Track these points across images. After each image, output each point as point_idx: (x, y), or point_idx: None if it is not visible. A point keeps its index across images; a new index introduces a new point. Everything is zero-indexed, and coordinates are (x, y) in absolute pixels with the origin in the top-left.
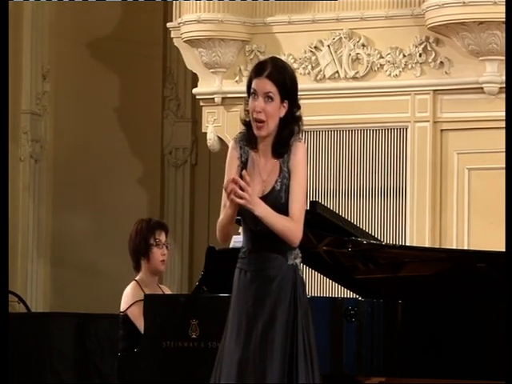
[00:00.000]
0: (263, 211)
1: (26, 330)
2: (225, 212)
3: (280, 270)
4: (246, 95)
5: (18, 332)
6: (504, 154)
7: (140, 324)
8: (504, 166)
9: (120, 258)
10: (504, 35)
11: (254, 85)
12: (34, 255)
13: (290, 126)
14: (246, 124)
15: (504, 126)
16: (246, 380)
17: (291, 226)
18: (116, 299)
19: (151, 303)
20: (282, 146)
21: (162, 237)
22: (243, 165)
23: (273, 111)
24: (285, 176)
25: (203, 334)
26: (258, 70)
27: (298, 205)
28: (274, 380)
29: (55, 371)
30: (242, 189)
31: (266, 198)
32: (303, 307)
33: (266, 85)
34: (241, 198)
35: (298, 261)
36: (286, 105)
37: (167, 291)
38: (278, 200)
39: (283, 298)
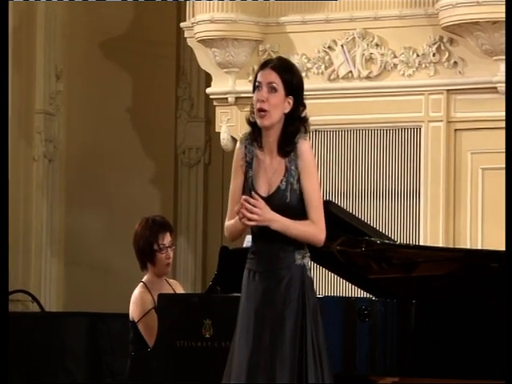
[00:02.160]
0: (279, 225)
1: (40, 329)
2: (235, 224)
3: (288, 270)
4: None
5: (31, 331)
6: None
7: (149, 339)
8: None
9: (133, 257)
10: None
11: (258, 77)
12: (47, 254)
13: (295, 123)
14: (251, 123)
15: None
16: (256, 380)
17: (312, 230)
18: (129, 299)
19: (165, 303)
20: (287, 144)
21: (167, 239)
22: (248, 164)
23: (276, 102)
24: (291, 175)
25: (217, 333)
26: (264, 64)
27: (316, 209)
28: (283, 380)
29: (68, 370)
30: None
31: (270, 198)
32: (312, 307)
33: (270, 75)
34: (250, 218)
35: (305, 260)
36: (290, 101)
37: (177, 286)
38: (284, 200)
39: (292, 298)
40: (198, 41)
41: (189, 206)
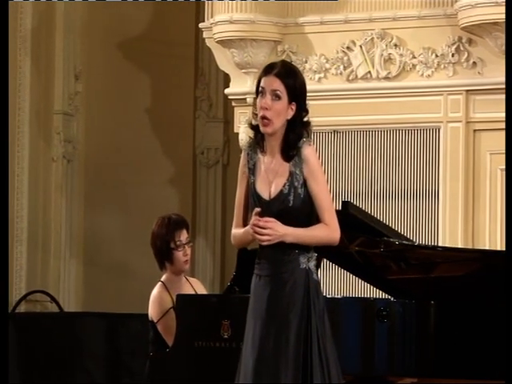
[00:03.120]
0: (293, 238)
1: (58, 329)
2: (244, 236)
3: (292, 274)
4: None
5: (50, 331)
6: None
7: (168, 339)
8: None
9: (152, 257)
10: None
11: (262, 83)
12: (66, 255)
13: (297, 129)
14: (253, 127)
15: None
16: (262, 382)
17: (325, 233)
18: (147, 299)
19: (183, 303)
20: (290, 149)
21: (183, 235)
22: (250, 171)
23: (279, 110)
24: (296, 179)
25: (235, 334)
26: (267, 69)
27: (327, 210)
28: (288, 381)
29: (86, 370)
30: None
31: (272, 201)
32: (318, 310)
33: (274, 82)
34: (262, 240)
35: (311, 264)
36: (293, 107)
37: (198, 285)
38: (286, 203)
39: (295, 302)
40: (217, 41)
41: (207, 206)
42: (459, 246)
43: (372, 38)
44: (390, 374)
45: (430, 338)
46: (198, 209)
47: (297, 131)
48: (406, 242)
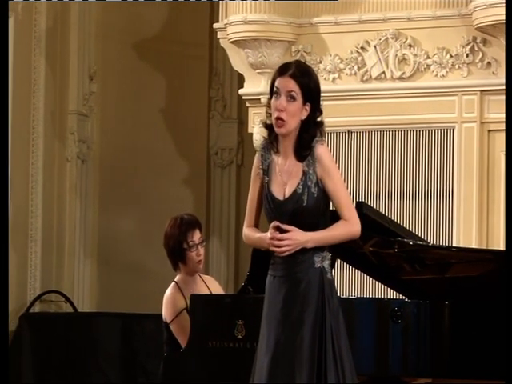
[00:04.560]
0: (314, 243)
1: (73, 329)
2: (259, 242)
3: (306, 273)
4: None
5: (64, 332)
6: None
7: (181, 340)
8: None
9: (166, 258)
10: None
11: (277, 83)
12: (80, 255)
13: (311, 130)
14: (267, 127)
15: None
16: (276, 382)
17: (345, 230)
18: (162, 299)
19: (197, 304)
20: (303, 149)
21: (196, 235)
22: (264, 172)
23: (294, 111)
24: (309, 179)
25: (249, 334)
26: (282, 70)
27: (346, 206)
28: (303, 381)
29: (102, 371)
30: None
31: (286, 201)
32: (332, 310)
33: (289, 83)
34: (282, 252)
35: (325, 263)
36: (308, 108)
37: (212, 282)
38: (300, 203)
39: (310, 302)
40: (231, 42)
41: (221, 206)
42: (473, 247)
43: (386, 39)
44: (404, 375)
45: (444, 338)
46: (212, 209)
47: (310, 131)
48: (421, 243)
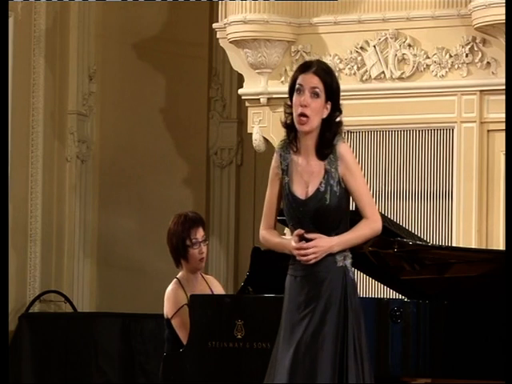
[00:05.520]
0: (339, 247)
1: (73, 329)
2: (281, 248)
3: (329, 272)
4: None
5: (64, 332)
6: None
7: (182, 335)
8: None
9: (166, 257)
10: None
11: (299, 80)
12: (80, 255)
13: (332, 128)
14: (287, 126)
15: None
16: (298, 382)
17: (368, 229)
18: (162, 299)
19: (197, 304)
20: (325, 148)
21: (199, 233)
22: (284, 172)
23: (318, 108)
24: (331, 177)
25: (248, 334)
26: (304, 67)
27: (368, 204)
28: (324, 380)
29: (101, 370)
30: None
31: (308, 200)
32: (354, 308)
33: (313, 79)
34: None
35: (347, 262)
36: (329, 106)
37: (213, 282)
38: (323, 202)
39: (333, 301)
40: (231, 41)
41: (221, 206)
42: (473, 247)
43: (386, 39)
44: (403, 375)
45: (443, 338)
46: (211, 209)
47: (333, 130)
48: (420, 243)
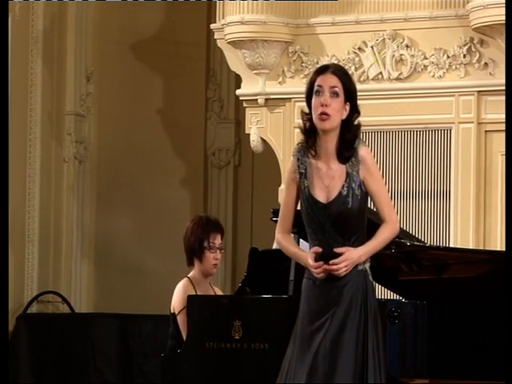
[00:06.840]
0: (366, 256)
1: (70, 330)
2: (297, 258)
3: (350, 276)
4: (291, 97)
5: (62, 332)
6: None
7: (185, 332)
8: None
9: (163, 258)
10: None
11: (318, 81)
12: (77, 256)
13: (352, 130)
14: (306, 131)
15: None
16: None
17: (388, 232)
18: (159, 300)
19: (195, 304)
20: (346, 150)
21: (217, 239)
22: (302, 175)
23: (338, 107)
24: (353, 180)
25: (246, 335)
26: (322, 69)
27: (387, 206)
28: (345, 380)
29: (99, 371)
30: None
31: (330, 204)
32: (373, 310)
33: (332, 79)
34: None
35: (367, 265)
36: (347, 107)
37: (219, 293)
38: (345, 205)
39: (354, 306)
40: (228, 42)
41: (218, 207)
42: (470, 247)
43: (383, 39)
44: (401, 375)
45: (441, 339)
46: (209, 210)
47: (353, 132)
48: (418, 243)
